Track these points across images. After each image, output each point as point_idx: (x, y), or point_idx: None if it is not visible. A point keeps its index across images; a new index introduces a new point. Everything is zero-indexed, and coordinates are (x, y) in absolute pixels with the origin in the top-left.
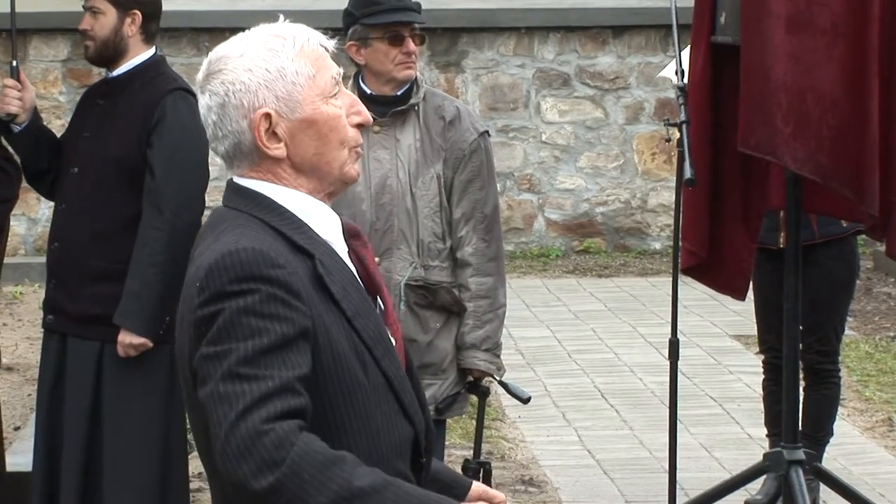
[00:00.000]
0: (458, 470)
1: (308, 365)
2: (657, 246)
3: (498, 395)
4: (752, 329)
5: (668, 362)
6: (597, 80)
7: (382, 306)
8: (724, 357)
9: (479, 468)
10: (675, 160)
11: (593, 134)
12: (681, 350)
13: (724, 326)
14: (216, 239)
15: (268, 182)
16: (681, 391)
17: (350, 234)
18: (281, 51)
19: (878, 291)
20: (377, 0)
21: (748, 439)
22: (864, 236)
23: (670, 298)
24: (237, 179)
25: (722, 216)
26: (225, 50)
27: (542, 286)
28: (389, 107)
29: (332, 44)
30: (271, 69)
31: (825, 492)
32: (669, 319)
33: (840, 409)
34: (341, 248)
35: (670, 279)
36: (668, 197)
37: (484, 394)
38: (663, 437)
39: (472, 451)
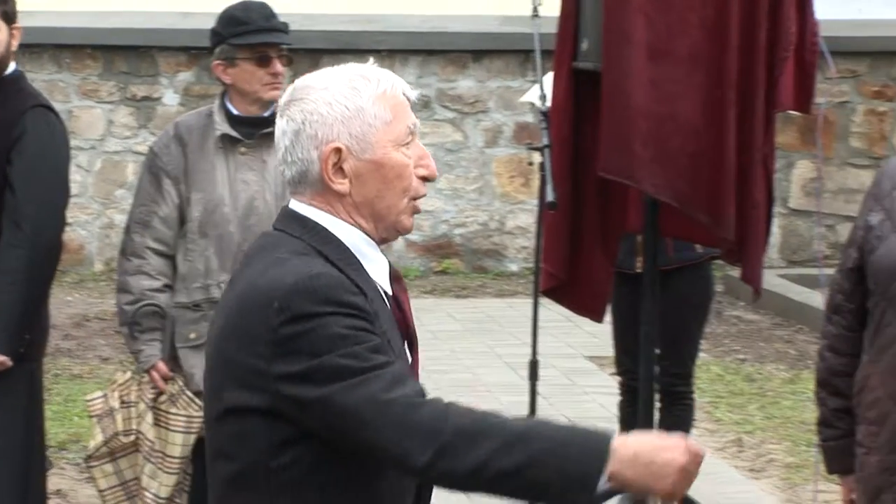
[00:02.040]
0: None
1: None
2: (514, 268)
3: None
4: (607, 350)
5: (525, 382)
6: (456, 103)
7: (410, 357)
8: (580, 377)
9: None
10: (532, 183)
11: (453, 156)
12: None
13: (579, 347)
14: (278, 262)
15: (327, 213)
16: (538, 411)
17: (393, 278)
18: (363, 91)
19: (728, 315)
20: (245, 20)
21: None
22: (717, 261)
23: (527, 319)
24: (295, 206)
25: (581, 239)
26: (311, 80)
27: None
28: (256, 128)
29: (414, 94)
30: (350, 107)
31: None
32: (526, 340)
33: (692, 430)
34: (387, 291)
35: (527, 300)
36: (526, 219)
37: None
38: None
39: None
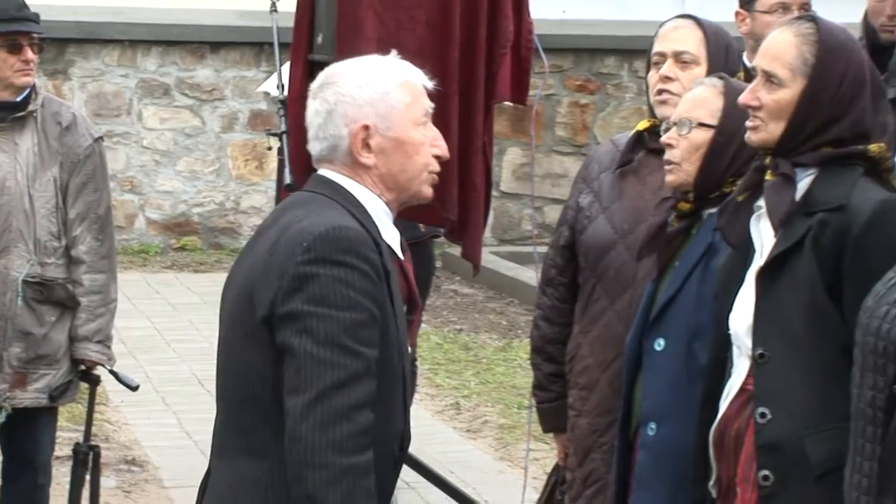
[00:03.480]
0: (70, 453)
1: (378, 345)
2: None
3: (104, 381)
4: None
5: None
6: (195, 91)
7: (410, 317)
8: None
9: (89, 451)
10: (266, 166)
11: (191, 141)
12: None
13: None
14: (313, 212)
15: (354, 181)
16: None
17: (403, 248)
18: (389, 77)
19: (445, 289)
20: None
21: None
22: (436, 239)
23: None
24: (325, 172)
25: None
26: (340, 68)
27: (142, 280)
28: (8, 112)
29: (431, 84)
30: (378, 90)
31: (404, 469)
32: None
33: (415, 395)
34: (398, 256)
35: None
36: (259, 200)
37: (95, 382)
38: None
39: (81, 435)
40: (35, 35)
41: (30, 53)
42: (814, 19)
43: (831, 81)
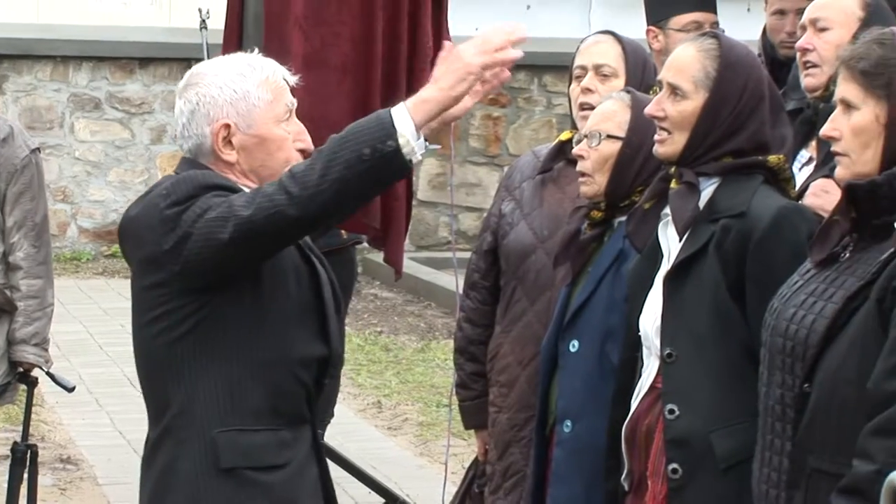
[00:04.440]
0: (8, 452)
1: None
2: None
3: (40, 383)
4: None
5: None
6: (125, 104)
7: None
8: None
9: (27, 450)
10: None
11: (121, 152)
12: None
13: None
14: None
15: (221, 173)
16: None
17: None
18: (249, 77)
19: (366, 293)
20: None
21: None
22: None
23: None
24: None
25: None
26: (204, 67)
27: (74, 286)
28: None
29: (293, 79)
30: (238, 90)
31: (329, 465)
32: None
33: (338, 395)
34: None
35: None
36: None
37: (32, 384)
38: None
39: (19, 435)
40: None
41: None
42: (716, 36)
43: (731, 94)
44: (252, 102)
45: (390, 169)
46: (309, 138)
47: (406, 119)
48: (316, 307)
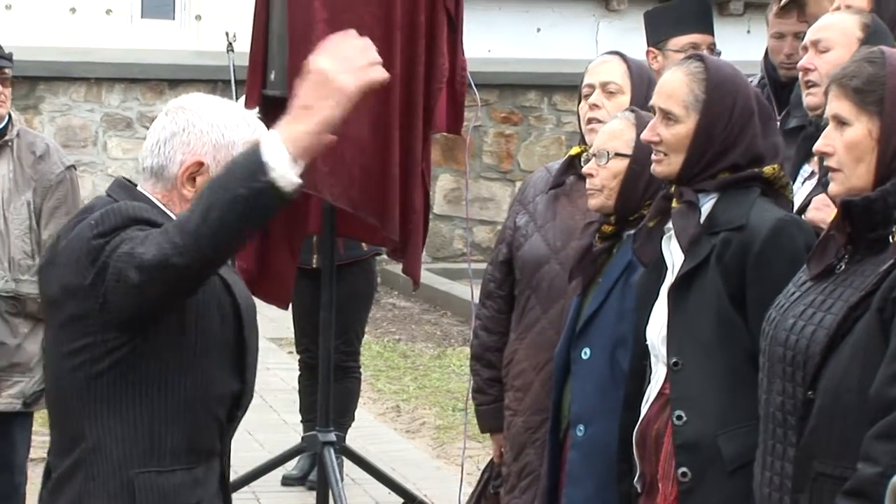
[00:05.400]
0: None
1: None
2: None
3: None
4: (286, 332)
5: None
6: None
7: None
8: (263, 356)
9: None
10: None
11: None
12: None
13: (261, 330)
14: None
15: (164, 205)
16: None
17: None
18: (241, 131)
19: (385, 302)
20: None
21: (284, 424)
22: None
23: None
24: (140, 188)
25: (270, 239)
26: (203, 99)
27: None
28: None
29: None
30: (225, 137)
31: (350, 466)
32: None
33: (358, 399)
34: None
35: None
36: None
37: None
38: None
39: None
40: (7, 71)
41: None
42: (701, 58)
43: (722, 114)
44: (231, 154)
45: (269, 205)
46: None
47: (280, 152)
48: (236, 341)
